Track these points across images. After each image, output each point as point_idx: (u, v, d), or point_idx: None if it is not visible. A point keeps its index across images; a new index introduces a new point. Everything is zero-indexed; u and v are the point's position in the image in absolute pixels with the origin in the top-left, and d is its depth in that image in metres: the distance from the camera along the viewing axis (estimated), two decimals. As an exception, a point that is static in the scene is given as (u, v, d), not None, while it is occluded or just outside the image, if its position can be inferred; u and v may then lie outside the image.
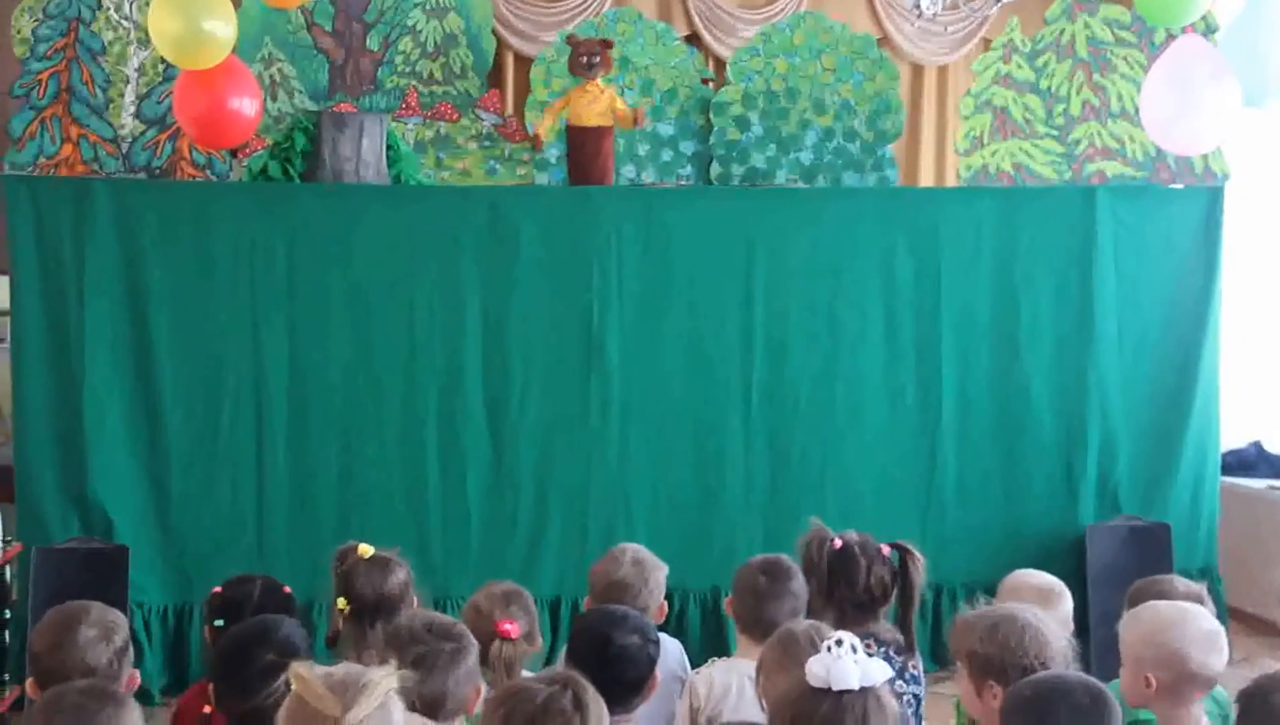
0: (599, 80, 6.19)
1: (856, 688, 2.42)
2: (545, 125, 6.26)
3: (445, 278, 5.82)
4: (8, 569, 4.88)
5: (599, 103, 6.15)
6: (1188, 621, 3.17)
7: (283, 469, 5.76)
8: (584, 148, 6.16)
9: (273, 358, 5.74)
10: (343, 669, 2.28)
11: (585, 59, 6.16)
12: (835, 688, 2.42)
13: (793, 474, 5.99)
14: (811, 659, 2.47)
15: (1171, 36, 6.03)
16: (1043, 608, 3.34)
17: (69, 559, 5.35)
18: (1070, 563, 5.87)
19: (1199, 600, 3.63)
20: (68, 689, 2.67)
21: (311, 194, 5.88)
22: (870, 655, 2.51)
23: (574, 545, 5.84)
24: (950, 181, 7.79)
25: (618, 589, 3.80)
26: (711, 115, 6.68)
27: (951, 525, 6.04)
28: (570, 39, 6.38)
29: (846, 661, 2.43)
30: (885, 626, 3.64)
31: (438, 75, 6.80)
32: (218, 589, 3.63)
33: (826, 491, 5.93)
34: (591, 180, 6.13)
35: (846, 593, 3.61)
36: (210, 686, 3.05)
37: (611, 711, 2.56)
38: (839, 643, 2.45)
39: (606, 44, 6.30)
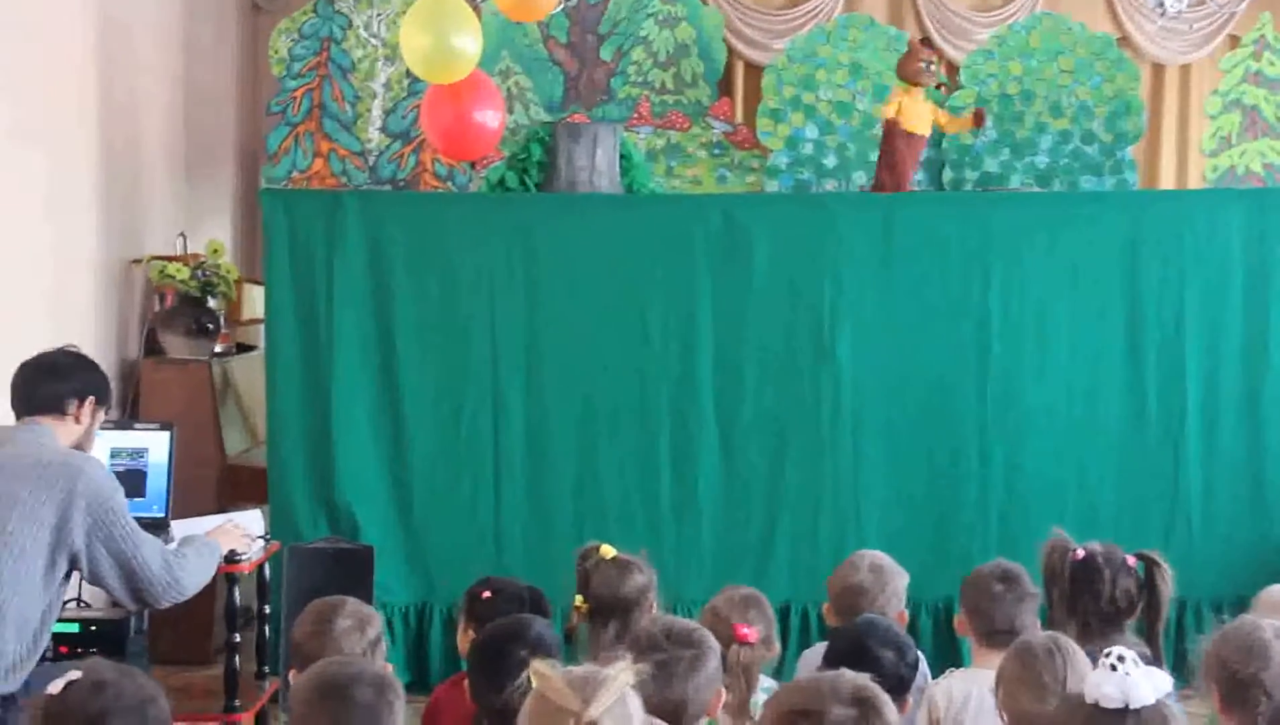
0: (924, 90, 6.06)
1: (1152, 701, 2.36)
2: (889, 111, 6.10)
3: (678, 285, 5.87)
4: (266, 567, 5.10)
5: (925, 110, 6.04)
6: None
7: (520, 474, 5.88)
8: (898, 150, 6.05)
9: (510, 365, 5.86)
10: (583, 668, 2.34)
11: (926, 64, 6.00)
12: (1133, 705, 2.35)
13: (1029, 485, 5.87)
14: (1095, 679, 2.39)
15: None
16: (1302, 625, 3.22)
17: (319, 558, 5.53)
18: (1323, 579, 5.63)
19: None
20: (337, 663, 2.80)
21: (548, 204, 6.00)
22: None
23: (804, 552, 5.83)
24: (1193, 184, 7.55)
25: (853, 594, 3.80)
26: (944, 120, 6.60)
27: (1196, 538, 5.84)
28: (911, 40, 6.29)
29: (1139, 677, 2.35)
30: (1130, 640, 3.56)
31: (669, 84, 6.90)
32: (480, 589, 3.75)
33: (1065, 503, 5.79)
34: (894, 185, 6.06)
35: (1090, 604, 3.54)
36: (465, 680, 3.18)
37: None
38: (1121, 659, 2.37)
39: (951, 68, 6.18)
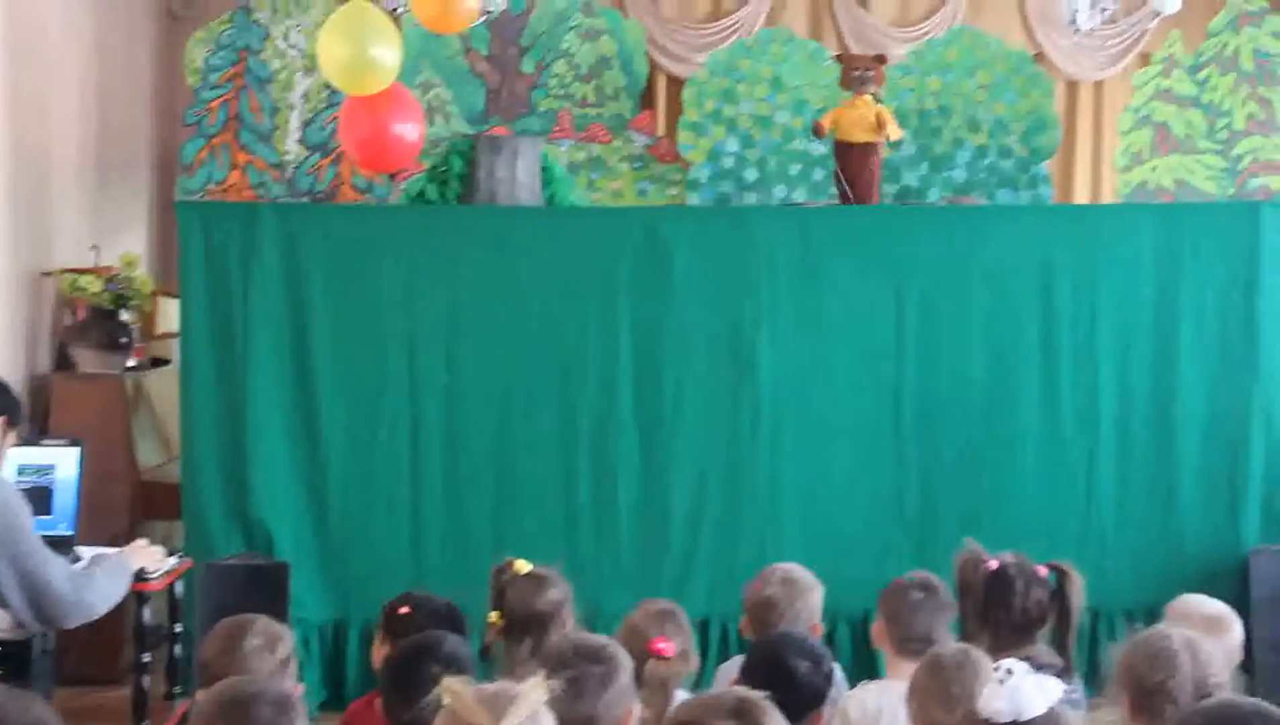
0: (868, 96, 6.10)
1: (1043, 711, 2.37)
2: (824, 123, 6.12)
3: (599, 298, 5.87)
4: (178, 584, 5.03)
5: (867, 119, 6.06)
6: None
7: (438, 489, 5.85)
8: (851, 165, 6.09)
9: (429, 379, 5.83)
10: (495, 685, 2.33)
11: (858, 72, 6.06)
12: (1024, 717, 2.37)
13: (947, 496, 5.92)
14: (986, 695, 2.41)
15: (1342, 47, 5.87)
16: (1212, 636, 3.27)
17: (233, 575, 5.46)
18: (1233, 587, 5.70)
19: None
20: (239, 682, 2.77)
21: (468, 217, 5.98)
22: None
23: (724, 565, 5.83)
24: (1107, 198, 7.66)
25: (765, 607, 3.82)
26: (863, 134, 6.65)
27: (1110, 548, 5.91)
28: (842, 54, 6.35)
29: (1026, 688, 2.37)
30: (1042, 649, 3.59)
31: (591, 98, 6.90)
32: (398, 604, 3.73)
33: (981, 514, 5.84)
34: (857, 196, 6.08)
35: (1003, 615, 3.57)
36: (379, 698, 3.15)
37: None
38: (1009, 671, 2.39)
39: (880, 59, 6.21)
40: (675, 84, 7.77)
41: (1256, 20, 6.32)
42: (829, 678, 3.25)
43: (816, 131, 6.12)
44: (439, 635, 3.22)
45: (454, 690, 2.28)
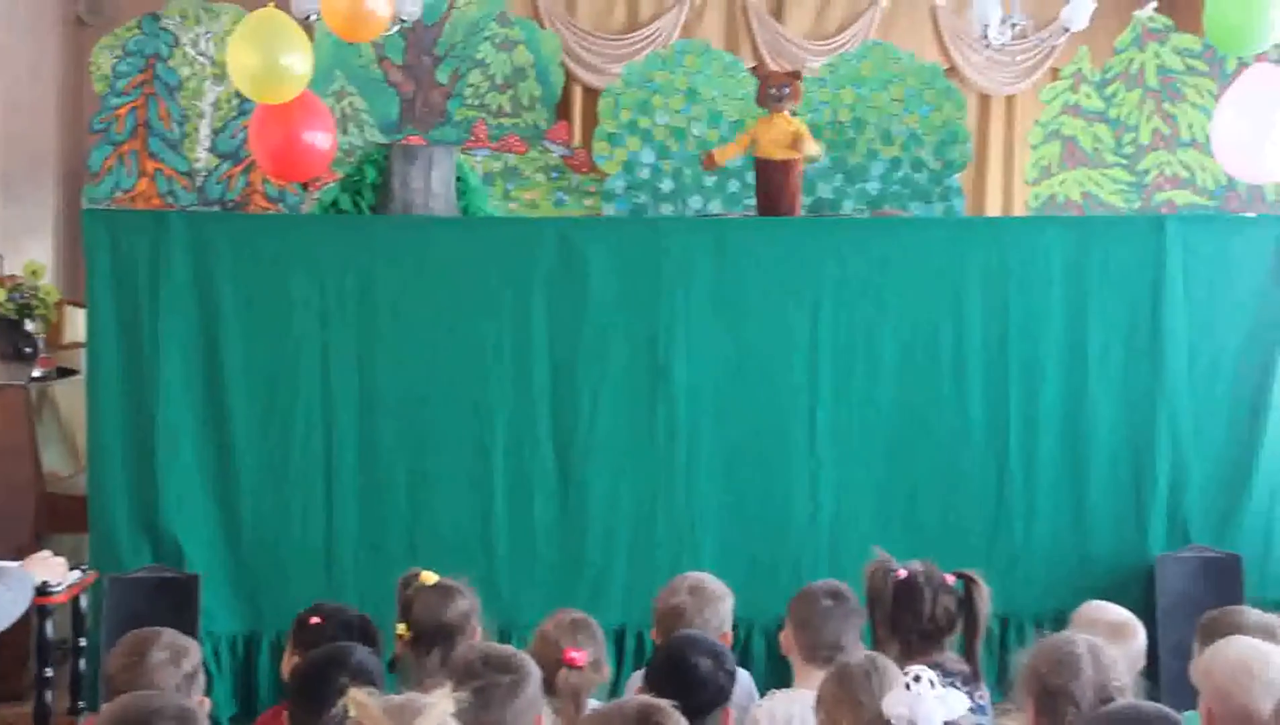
0: (786, 112, 6.12)
1: (940, 723, 2.40)
2: (728, 154, 6.17)
3: (514, 308, 5.85)
4: (83, 598, 4.95)
5: (785, 135, 6.07)
6: (1262, 664, 3.14)
7: (352, 499, 5.80)
8: (771, 180, 6.10)
9: (343, 388, 5.78)
10: (402, 696, 2.32)
11: (774, 89, 6.08)
12: None
13: (860, 504, 5.96)
14: (891, 698, 2.43)
15: (1243, 65, 5.98)
16: (1115, 642, 3.32)
17: (141, 588, 5.39)
18: (1139, 594, 5.80)
19: (1271, 632, 3.60)
20: (140, 696, 2.73)
21: (382, 226, 5.94)
22: (948, 686, 2.48)
23: (640, 575, 5.82)
24: (1018, 211, 7.78)
25: (673, 616, 3.83)
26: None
27: (1019, 556, 5.98)
28: (758, 69, 6.39)
29: (929, 699, 2.40)
30: (951, 657, 3.63)
31: (506, 108, 6.89)
32: (309, 615, 3.70)
33: (893, 522, 5.90)
34: (780, 212, 6.10)
35: (912, 623, 3.61)
36: (287, 710, 3.12)
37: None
38: (917, 679, 2.42)
39: (796, 75, 6.22)
40: (591, 94, 7.79)
41: (1161, 38, 6.43)
42: (732, 675, 3.28)
43: (707, 164, 6.16)
44: (348, 646, 3.20)
45: (360, 702, 2.26)
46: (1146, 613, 5.34)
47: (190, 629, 5.16)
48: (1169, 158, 6.41)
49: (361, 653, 3.16)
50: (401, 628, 3.57)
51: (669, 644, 3.35)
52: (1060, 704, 2.97)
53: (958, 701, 2.42)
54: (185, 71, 6.31)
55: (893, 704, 2.40)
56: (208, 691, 3.66)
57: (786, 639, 3.82)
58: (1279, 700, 3.00)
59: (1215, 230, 6.19)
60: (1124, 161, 6.41)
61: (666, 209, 6.71)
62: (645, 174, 6.73)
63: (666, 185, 6.72)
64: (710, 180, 6.71)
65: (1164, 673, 4.94)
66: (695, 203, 6.70)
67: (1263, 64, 5.63)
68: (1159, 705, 2.78)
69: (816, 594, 3.80)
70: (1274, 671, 3.15)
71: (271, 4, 5.25)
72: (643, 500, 5.91)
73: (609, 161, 6.75)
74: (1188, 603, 5.42)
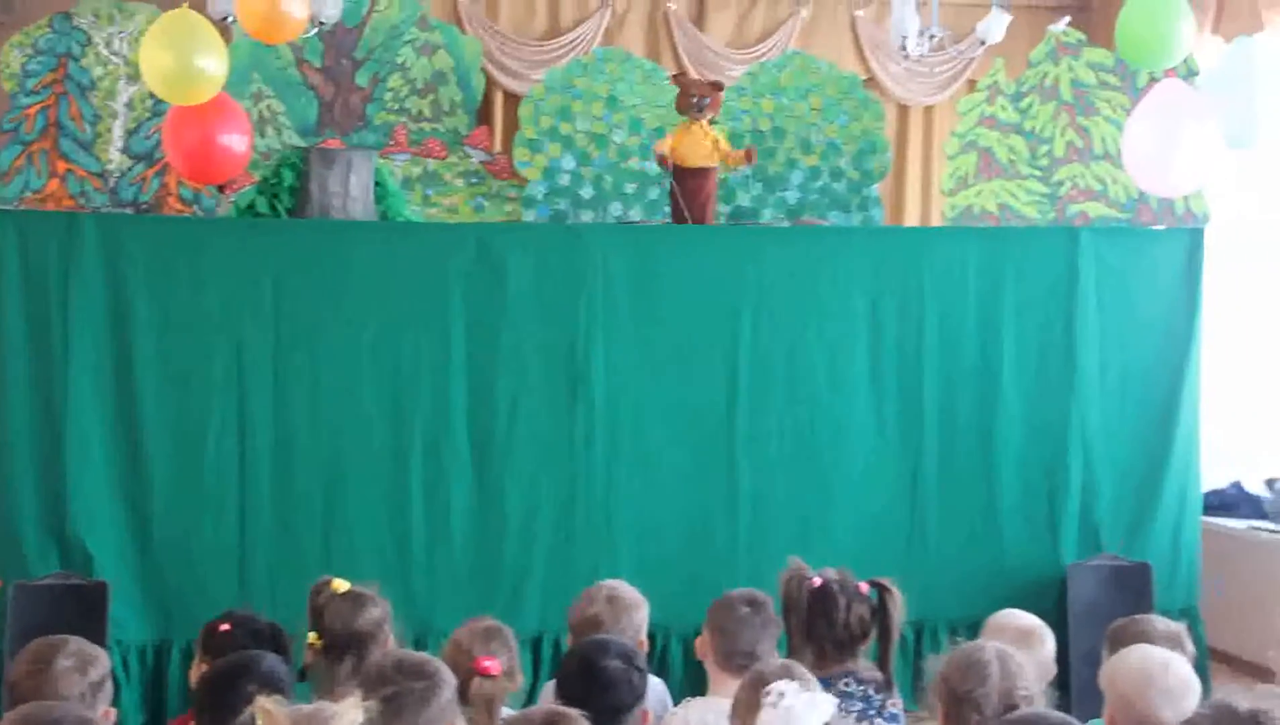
0: (705, 121, 6.18)
1: None
2: (662, 150, 6.19)
3: (432, 313, 5.83)
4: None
5: (703, 144, 6.13)
6: (1163, 673, 3.19)
7: (266, 505, 5.75)
8: (686, 187, 6.14)
9: (257, 393, 5.73)
10: (312, 705, 2.30)
11: (695, 99, 6.15)
12: None
13: (777, 512, 5.99)
14: (763, 718, 2.45)
15: (1154, 80, 6.07)
16: (1025, 649, 3.35)
17: (47, 595, 5.32)
18: (1052, 601, 5.88)
19: (1177, 640, 3.66)
20: (41, 706, 2.69)
21: (299, 230, 5.89)
22: (808, 689, 2.49)
23: (558, 582, 5.81)
24: (935, 221, 7.84)
25: (590, 626, 3.83)
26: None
27: (934, 564, 6.04)
28: (679, 78, 6.43)
29: (798, 709, 2.41)
30: (864, 664, 3.65)
31: (426, 112, 6.84)
32: (218, 622, 3.67)
33: (810, 530, 5.93)
34: (695, 219, 6.14)
35: (826, 631, 3.62)
36: (193, 720, 3.08)
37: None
38: (781, 695, 2.44)
39: (717, 86, 6.32)
40: (512, 100, 7.77)
41: (1075, 52, 6.51)
42: (643, 673, 3.29)
43: (662, 161, 6.21)
44: (256, 654, 3.17)
45: (268, 710, 2.25)
46: (1058, 620, 5.43)
47: (98, 637, 5.08)
48: (1082, 170, 6.49)
49: (270, 660, 3.13)
50: (312, 636, 3.55)
51: (579, 648, 3.36)
52: (966, 711, 3.01)
53: (826, 703, 2.46)
54: (98, 71, 6.21)
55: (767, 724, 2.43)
56: (115, 701, 3.61)
57: (703, 646, 3.83)
58: (1179, 708, 3.06)
59: (1127, 243, 6.30)
60: (1039, 173, 6.49)
61: (587, 216, 6.70)
62: (566, 181, 6.72)
63: (587, 192, 6.71)
64: (631, 187, 6.71)
65: (1075, 680, 5.00)
66: (616, 210, 6.70)
67: (1171, 79, 5.72)
68: (1064, 714, 2.81)
69: (734, 601, 3.81)
70: (1174, 679, 3.21)
71: (185, 4, 5.18)
72: (561, 507, 5.91)
73: (530, 168, 6.73)
74: (1099, 610, 5.50)
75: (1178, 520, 6.24)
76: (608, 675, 3.16)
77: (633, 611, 3.90)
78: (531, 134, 6.74)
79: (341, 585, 3.61)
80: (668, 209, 6.46)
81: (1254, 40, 6.63)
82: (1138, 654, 3.34)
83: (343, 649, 3.50)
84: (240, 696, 2.87)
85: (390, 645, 3.54)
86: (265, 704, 2.26)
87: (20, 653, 3.30)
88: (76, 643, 3.31)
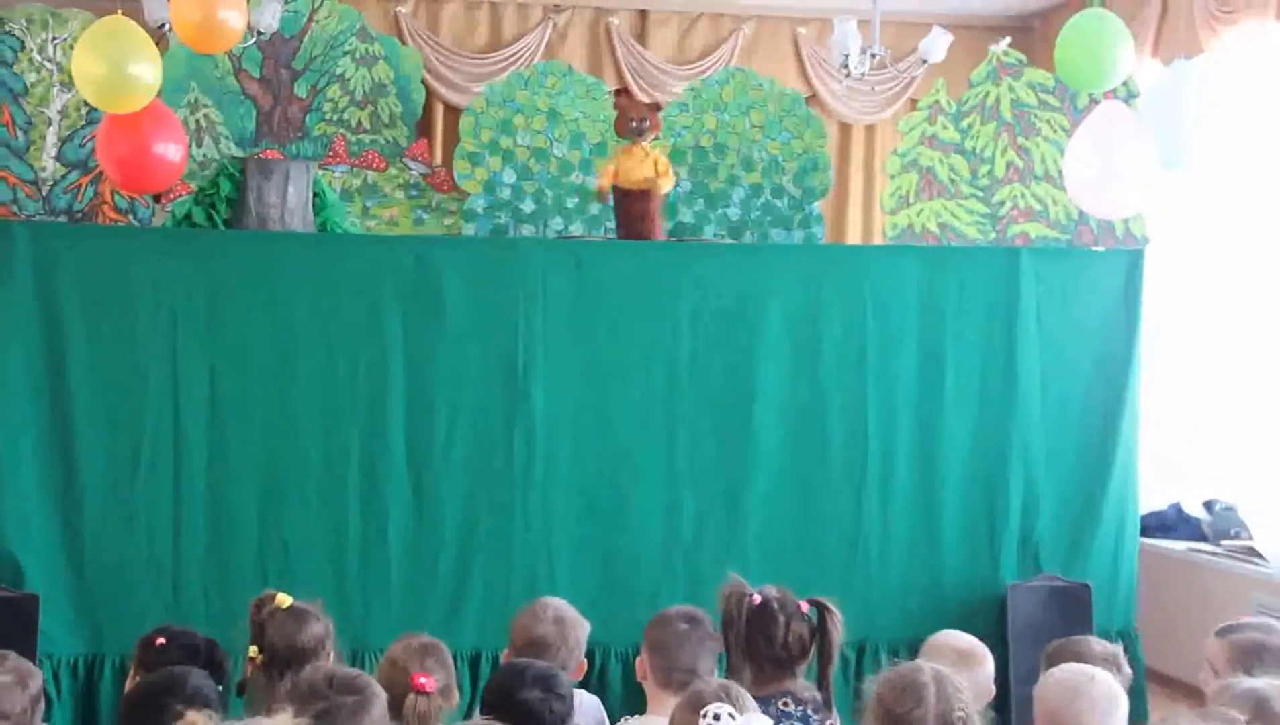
0: (646, 143, 6.21)
1: None
2: (604, 184, 6.25)
3: (369, 327, 5.78)
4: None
5: (644, 165, 6.15)
6: (1089, 684, 3.20)
7: (200, 517, 5.68)
8: (628, 209, 6.17)
9: (192, 405, 5.67)
10: (244, 721, 2.26)
11: (634, 122, 6.20)
12: None
13: (717, 529, 5.97)
14: None
15: (1094, 101, 6.11)
16: (963, 670, 3.33)
17: (-26, 608, 5.23)
18: (992, 621, 5.90)
19: (1115, 660, 3.67)
20: None
21: (236, 241, 5.83)
22: (741, 711, 2.48)
23: (496, 598, 5.78)
24: (877, 240, 7.86)
25: (537, 646, 3.79)
26: (639, 170, 6.69)
27: (875, 583, 6.04)
28: (619, 101, 6.45)
29: None
30: (803, 684, 3.62)
31: (366, 124, 6.79)
32: (153, 636, 3.61)
33: (750, 547, 5.92)
34: (640, 238, 6.16)
35: (765, 648, 3.59)
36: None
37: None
38: (716, 717, 2.43)
39: (655, 108, 6.39)
40: (453, 113, 7.73)
41: (1015, 72, 6.54)
42: (564, 699, 3.28)
43: (602, 197, 6.26)
44: (183, 670, 3.13)
45: (197, 725, 2.20)
46: (998, 640, 5.44)
47: (28, 650, 5.00)
48: (1023, 190, 6.53)
49: (198, 677, 3.08)
50: (253, 650, 3.51)
51: (497, 678, 3.36)
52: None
53: (758, 721, 2.44)
54: (32, 77, 6.12)
55: None
56: (46, 716, 3.55)
57: (642, 664, 3.80)
58: (1106, 721, 3.07)
59: (1067, 263, 6.34)
60: (979, 193, 6.51)
61: (528, 230, 6.67)
62: (506, 194, 6.69)
63: (528, 206, 6.68)
64: (572, 202, 6.69)
65: (1014, 700, 5.00)
66: (557, 224, 6.67)
67: (1111, 101, 5.76)
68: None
69: (672, 618, 3.79)
70: (1100, 691, 3.22)
71: (119, 11, 5.10)
72: (499, 523, 5.87)
73: (470, 181, 6.69)
74: (1039, 630, 5.50)
75: (1117, 541, 6.27)
76: (527, 707, 3.17)
77: (578, 630, 3.88)
78: (472, 147, 6.70)
79: (285, 600, 3.56)
80: (609, 224, 6.44)
81: (1192, 63, 6.69)
82: (1065, 669, 3.36)
83: (284, 664, 3.45)
84: (166, 714, 2.82)
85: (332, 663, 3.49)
86: (195, 719, 2.22)
87: (-44, 670, 3.22)
88: (14, 658, 3.27)
